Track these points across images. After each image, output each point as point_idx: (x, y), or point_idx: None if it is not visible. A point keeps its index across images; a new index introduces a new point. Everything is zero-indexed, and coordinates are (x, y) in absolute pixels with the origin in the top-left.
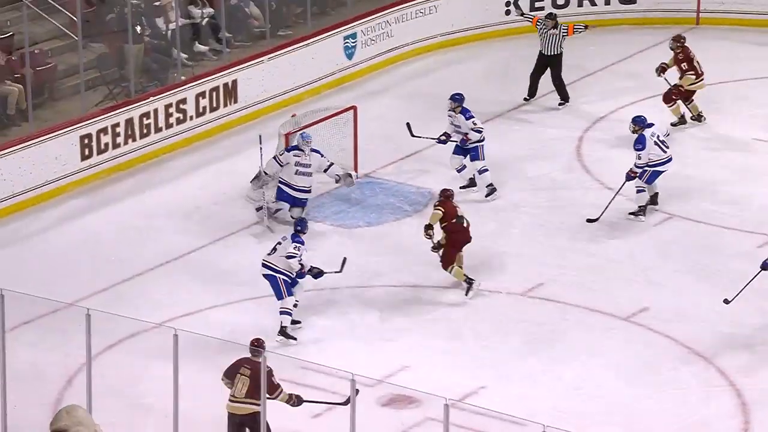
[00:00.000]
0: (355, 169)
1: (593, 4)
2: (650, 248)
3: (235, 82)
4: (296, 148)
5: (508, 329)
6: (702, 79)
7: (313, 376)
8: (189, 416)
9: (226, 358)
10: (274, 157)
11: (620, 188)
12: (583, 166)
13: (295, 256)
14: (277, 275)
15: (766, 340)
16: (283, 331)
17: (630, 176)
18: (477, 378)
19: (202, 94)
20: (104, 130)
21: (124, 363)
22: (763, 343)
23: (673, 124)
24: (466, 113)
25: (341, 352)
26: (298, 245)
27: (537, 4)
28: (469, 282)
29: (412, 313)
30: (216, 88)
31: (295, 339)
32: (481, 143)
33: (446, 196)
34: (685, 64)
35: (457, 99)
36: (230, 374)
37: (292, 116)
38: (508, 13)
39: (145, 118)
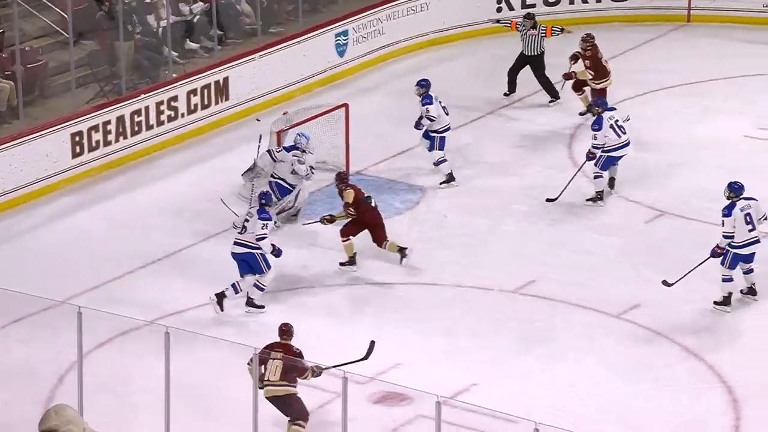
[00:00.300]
0: (347, 167)
1: (584, 1)
2: (643, 246)
3: (226, 79)
4: (296, 148)
5: (501, 326)
6: (608, 80)
7: None
8: (180, 414)
9: (217, 355)
10: (269, 152)
11: (579, 168)
12: (575, 163)
13: (265, 237)
14: (254, 251)
15: (757, 337)
16: (251, 302)
17: (589, 156)
18: (470, 375)
19: (194, 92)
20: (95, 128)
21: (116, 361)
22: (754, 339)
23: (581, 113)
24: (425, 99)
25: (333, 350)
26: (265, 223)
27: (528, 1)
28: (402, 251)
29: (404, 310)
30: (207, 86)
31: (263, 307)
32: (440, 134)
33: (342, 179)
34: (588, 61)
35: (422, 84)
36: (261, 359)
37: (284, 114)
38: (498, 21)
39: (136, 116)
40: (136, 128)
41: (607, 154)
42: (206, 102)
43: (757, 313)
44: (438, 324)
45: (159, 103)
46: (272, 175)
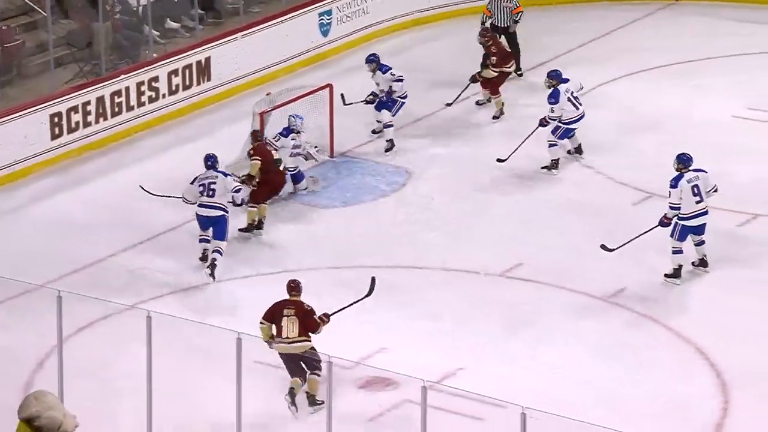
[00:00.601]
0: (331, 148)
1: None
2: (630, 228)
3: (208, 59)
4: (291, 130)
5: (488, 310)
6: (513, 64)
7: None
8: (163, 400)
9: (201, 340)
10: (266, 142)
11: (531, 134)
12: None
13: (241, 188)
14: (225, 214)
15: (745, 319)
16: (213, 264)
17: (542, 123)
18: (455, 359)
19: (175, 72)
20: (74, 109)
21: (97, 346)
22: (742, 322)
23: (494, 117)
24: (383, 68)
25: (315, 336)
26: (231, 175)
27: None
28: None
29: (389, 294)
30: (189, 66)
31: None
32: (402, 99)
33: (256, 138)
34: (494, 58)
35: (371, 60)
36: (272, 318)
37: (267, 95)
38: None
39: (116, 97)
40: (117, 109)
41: (565, 126)
42: (188, 83)
43: (749, 294)
44: (423, 308)
45: (139, 84)
46: None
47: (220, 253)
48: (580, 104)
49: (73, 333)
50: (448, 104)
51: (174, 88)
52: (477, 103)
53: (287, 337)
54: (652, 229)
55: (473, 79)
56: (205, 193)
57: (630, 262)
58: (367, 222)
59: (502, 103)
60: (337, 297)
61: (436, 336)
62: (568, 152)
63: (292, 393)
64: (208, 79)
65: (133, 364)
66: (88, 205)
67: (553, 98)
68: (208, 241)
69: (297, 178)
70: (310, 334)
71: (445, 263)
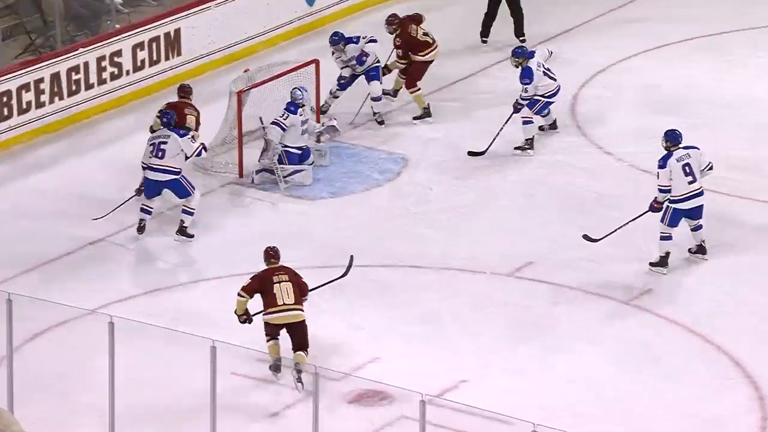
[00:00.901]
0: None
1: None
2: (654, 221)
3: (178, 31)
4: (297, 106)
5: (493, 314)
6: (433, 49)
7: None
8: (128, 416)
9: (171, 349)
10: (276, 123)
11: (507, 120)
12: (578, 127)
13: (200, 147)
14: (177, 176)
15: None
16: (182, 230)
17: (516, 108)
18: (457, 370)
19: (140, 46)
20: (26, 87)
21: (53, 354)
22: None
23: (415, 118)
24: (352, 40)
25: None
26: (187, 136)
27: None
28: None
29: (382, 296)
30: (156, 39)
31: (192, 236)
32: (378, 64)
33: (185, 92)
34: (401, 51)
35: (335, 41)
36: (261, 287)
37: (245, 71)
38: None
39: (73, 73)
40: (74, 88)
41: (546, 100)
42: (155, 57)
43: None
44: (421, 311)
45: (100, 59)
46: (284, 146)
47: (187, 213)
48: (554, 75)
49: (27, 341)
50: (380, 122)
51: (139, 63)
52: (384, 93)
53: (284, 304)
54: (641, 215)
55: (383, 72)
56: (154, 154)
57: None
58: (359, 215)
59: (426, 104)
60: (324, 298)
61: (435, 344)
62: (540, 128)
63: (279, 360)
64: (178, 54)
65: (94, 374)
66: (42, 196)
67: (527, 77)
68: (149, 213)
69: (304, 156)
70: (301, 302)
71: (445, 261)
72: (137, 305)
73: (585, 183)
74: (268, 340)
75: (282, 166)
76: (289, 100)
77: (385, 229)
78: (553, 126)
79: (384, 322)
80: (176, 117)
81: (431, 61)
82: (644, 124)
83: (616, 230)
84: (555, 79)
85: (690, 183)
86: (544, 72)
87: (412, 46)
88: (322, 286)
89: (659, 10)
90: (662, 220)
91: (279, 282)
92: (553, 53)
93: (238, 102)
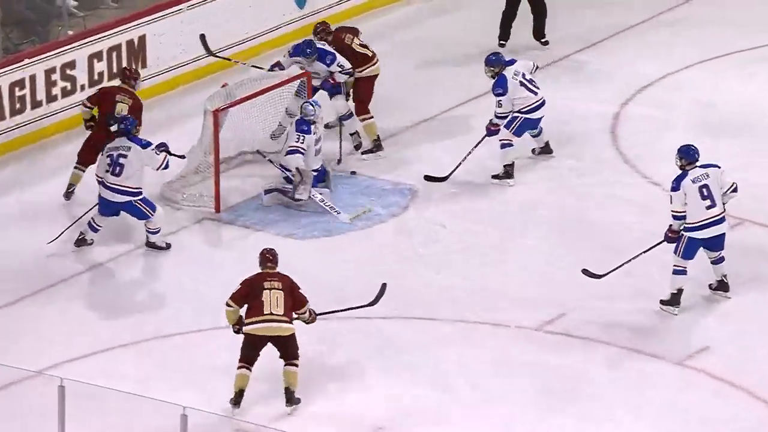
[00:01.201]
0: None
1: None
2: (705, 262)
3: (142, 39)
4: (309, 123)
5: (517, 375)
6: (373, 64)
7: None
8: None
9: (129, 417)
10: (294, 151)
11: (477, 144)
12: (619, 153)
13: (166, 160)
14: (132, 198)
15: None
16: (152, 244)
17: (491, 130)
18: None
19: (98, 56)
20: None
21: None
22: None
23: (364, 153)
24: (326, 57)
25: (302, 317)
26: (150, 147)
27: None
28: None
29: (387, 353)
30: (116, 48)
31: (167, 246)
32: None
33: (126, 77)
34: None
35: (308, 53)
36: (249, 291)
37: (223, 86)
38: None
39: (17, 88)
40: (18, 105)
41: (525, 116)
42: (115, 70)
43: None
44: (432, 374)
45: (49, 71)
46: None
47: (154, 233)
48: (538, 88)
49: None
50: (357, 146)
51: (96, 76)
52: (326, 126)
53: (271, 314)
54: (654, 246)
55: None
56: (111, 169)
57: (709, 312)
58: (358, 256)
59: (377, 135)
60: (320, 356)
61: (449, 413)
62: (533, 152)
63: (240, 394)
64: (143, 66)
65: None
66: None
67: (500, 87)
68: (96, 230)
69: (320, 176)
70: (294, 315)
71: (461, 312)
72: (94, 364)
73: (628, 219)
74: (239, 366)
75: (320, 195)
76: (298, 118)
77: (390, 273)
78: (547, 149)
79: (390, 384)
80: (102, 103)
81: (375, 77)
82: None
83: (623, 264)
84: (536, 92)
85: (708, 208)
86: (521, 82)
87: (348, 57)
88: (340, 311)
89: (719, 12)
90: (675, 251)
91: (270, 289)
92: (539, 68)
93: (215, 122)
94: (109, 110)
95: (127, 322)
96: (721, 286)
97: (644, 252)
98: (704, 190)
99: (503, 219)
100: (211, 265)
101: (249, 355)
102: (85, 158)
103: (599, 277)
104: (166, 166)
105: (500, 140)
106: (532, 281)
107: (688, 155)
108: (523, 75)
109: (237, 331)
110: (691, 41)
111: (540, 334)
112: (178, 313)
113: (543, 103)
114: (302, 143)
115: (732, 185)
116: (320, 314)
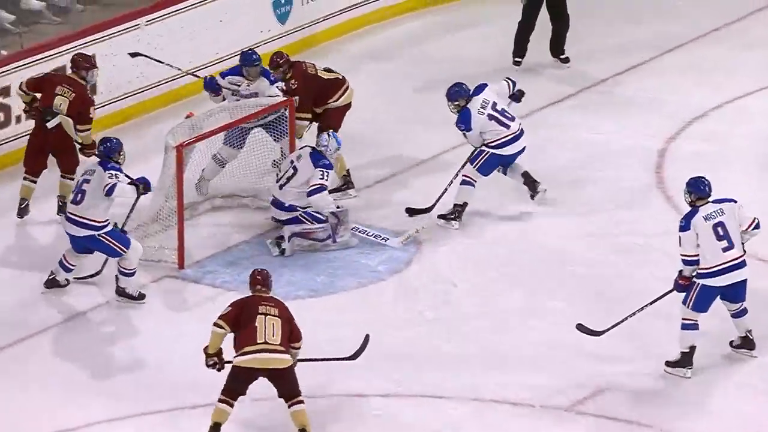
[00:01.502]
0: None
1: None
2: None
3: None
4: (326, 158)
5: None
6: (347, 88)
7: None
8: None
9: None
10: (320, 188)
11: (448, 185)
12: (666, 197)
13: (115, 185)
14: (95, 232)
15: None
16: (122, 291)
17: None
18: None
19: None
20: None
21: None
22: None
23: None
24: (269, 74)
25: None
26: (113, 173)
27: None
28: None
29: None
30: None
31: (141, 297)
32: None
33: (77, 65)
34: (298, 97)
35: (255, 61)
36: (240, 315)
37: (187, 116)
38: None
39: None
40: None
41: (492, 151)
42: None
43: None
44: None
45: None
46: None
47: (124, 274)
48: (512, 119)
49: None
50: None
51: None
52: (273, 164)
53: (266, 343)
54: (664, 296)
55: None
56: (74, 197)
57: (735, 377)
58: (352, 321)
59: (347, 170)
60: None
61: None
62: (532, 198)
63: (217, 428)
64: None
65: None
66: None
67: (464, 123)
68: (67, 270)
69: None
70: (288, 349)
71: (476, 389)
72: None
73: (665, 273)
74: (220, 399)
75: (360, 226)
76: (312, 151)
77: (390, 341)
78: (533, 187)
79: None
80: (41, 92)
81: (349, 105)
82: (760, 191)
83: (626, 319)
84: (508, 125)
85: (725, 250)
86: (490, 115)
87: (316, 88)
88: (320, 360)
89: None
90: (685, 302)
91: (265, 314)
92: (516, 84)
93: (178, 160)
94: (47, 103)
95: (65, 407)
96: (746, 343)
97: (652, 303)
98: (719, 228)
99: (526, 275)
100: (172, 334)
101: (234, 389)
102: (32, 166)
103: (598, 334)
104: (112, 188)
105: (463, 176)
106: (561, 352)
107: (697, 189)
108: (494, 105)
109: (212, 365)
110: (755, 63)
111: (571, 414)
112: (132, 392)
113: (518, 136)
114: (327, 179)
115: (753, 221)
116: (302, 360)
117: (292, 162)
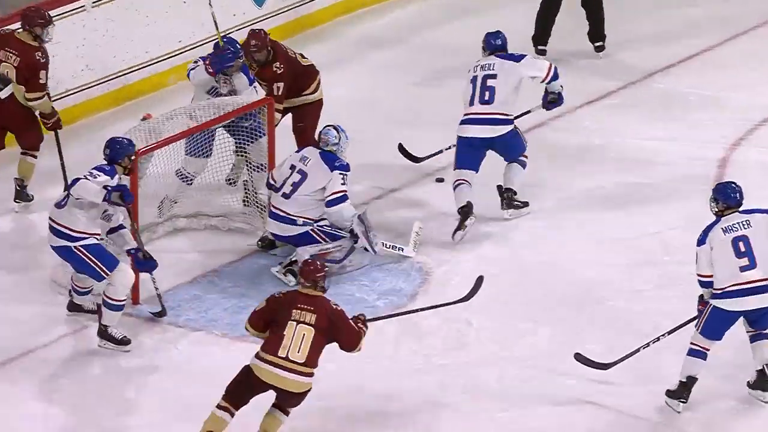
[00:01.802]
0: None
1: None
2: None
3: None
4: (340, 158)
5: None
6: (319, 81)
7: None
8: None
9: None
10: (343, 198)
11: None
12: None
13: (103, 191)
14: (72, 245)
15: None
16: (104, 332)
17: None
18: None
19: None
20: None
21: None
22: None
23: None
24: (248, 71)
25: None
26: (95, 171)
27: None
28: None
29: None
30: None
31: (125, 342)
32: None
33: (29, 21)
34: (277, 84)
35: (235, 54)
36: (272, 315)
37: (144, 118)
38: None
39: None
40: None
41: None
42: None
43: None
44: None
45: None
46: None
47: (112, 308)
48: (483, 101)
49: None
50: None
51: None
52: (227, 181)
53: (287, 359)
54: (685, 324)
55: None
56: (58, 201)
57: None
58: (344, 366)
59: None
60: None
61: None
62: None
63: None
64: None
65: None
66: None
67: None
68: (80, 293)
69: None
70: (316, 366)
71: None
72: None
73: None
74: (219, 405)
75: (381, 239)
76: (320, 151)
77: (391, 393)
78: (509, 199)
79: None
80: None
81: (322, 102)
82: None
83: (638, 350)
84: (471, 103)
85: (744, 269)
86: (473, 78)
87: (294, 75)
88: (430, 308)
89: None
90: (696, 325)
91: (298, 321)
92: (558, 77)
93: (134, 170)
94: None
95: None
96: (761, 382)
97: (673, 331)
98: (741, 243)
99: (556, 313)
100: (126, 385)
101: (239, 394)
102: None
103: (607, 367)
104: (108, 197)
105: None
106: (601, 410)
107: (725, 196)
108: (486, 76)
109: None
110: None
111: None
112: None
113: (473, 121)
114: (346, 185)
115: None
116: (371, 320)
117: (293, 166)
